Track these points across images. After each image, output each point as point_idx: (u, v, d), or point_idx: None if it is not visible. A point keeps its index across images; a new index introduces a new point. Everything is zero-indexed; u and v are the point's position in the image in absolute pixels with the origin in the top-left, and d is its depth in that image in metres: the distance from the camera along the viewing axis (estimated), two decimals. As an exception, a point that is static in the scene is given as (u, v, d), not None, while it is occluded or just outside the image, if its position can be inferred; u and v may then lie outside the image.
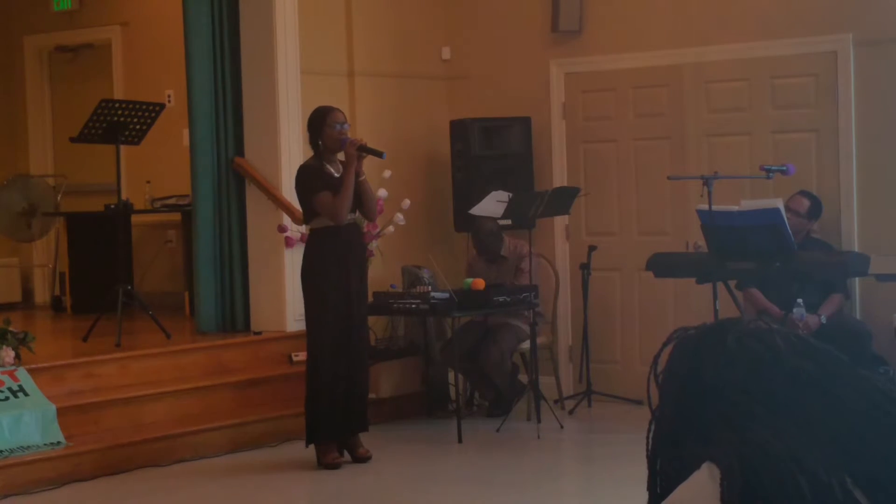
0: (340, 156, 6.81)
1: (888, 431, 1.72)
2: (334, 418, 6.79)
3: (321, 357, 6.82)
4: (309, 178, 6.77)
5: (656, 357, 1.91)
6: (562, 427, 7.74)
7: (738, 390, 1.76)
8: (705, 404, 1.80)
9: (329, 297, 6.77)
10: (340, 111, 6.90)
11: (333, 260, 6.77)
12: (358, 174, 6.66)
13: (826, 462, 1.68)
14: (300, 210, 7.01)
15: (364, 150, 6.67)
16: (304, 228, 7.04)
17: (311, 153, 6.93)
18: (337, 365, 6.76)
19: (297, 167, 7.21)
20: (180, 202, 9.36)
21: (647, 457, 1.89)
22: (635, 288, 8.26)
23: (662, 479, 1.88)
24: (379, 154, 6.80)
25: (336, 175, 6.69)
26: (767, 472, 1.71)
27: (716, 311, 6.78)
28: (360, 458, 6.90)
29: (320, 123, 6.79)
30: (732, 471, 1.73)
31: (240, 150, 8.33)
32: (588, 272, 8.20)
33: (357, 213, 6.83)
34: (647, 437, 1.89)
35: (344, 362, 6.77)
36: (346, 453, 6.91)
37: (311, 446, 6.85)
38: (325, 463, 6.81)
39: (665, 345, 1.91)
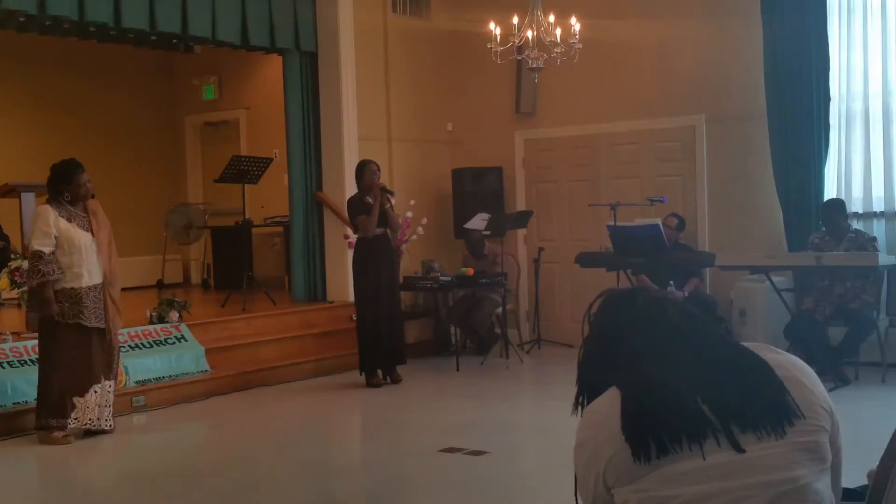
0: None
1: (728, 367, 1.73)
2: (374, 356, 6.82)
3: (362, 318, 6.89)
4: (353, 207, 6.84)
5: (590, 305, 1.93)
6: (522, 361, 7.79)
7: (638, 335, 1.78)
8: (616, 342, 1.82)
9: (365, 281, 6.83)
10: (375, 162, 6.91)
11: (370, 258, 6.81)
12: (383, 204, 6.70)
13: (687, 388, 1.69)
14: (355, 226, 7.06)
15: (383, 189, 6.76)
16: (355, 237, 7.06)
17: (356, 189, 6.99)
18: (372, 323, 6.79)
19: (356, 199, 7.25)
20: (282, 220, 9.37)
21: (578, 370, 1.90)
22: (568, 274, 8.24)
23: (585, 389, 1.88)
24: (391, 192, 6.91)
25: (371, 203, 6.71)
26: (649, 394, 1.72)
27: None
28: (396, 381, 6.92)
29: (361, 170, 6.84)
30: (629, 393, 1.75)
31: (320, 187, 8.34)
32: (538, 264, 8.23)
33: (386, 229, 6.84)
34: (578, 359, 1.90)
35: (379, 321, 6.79)
36: (387, 378, 6.94)
37: (365, 373, 6.87)
38: (371, 384, 6.83)
39: (597, 298, 1.92)
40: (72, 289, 5.30)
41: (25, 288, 5.87)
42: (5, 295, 8.43)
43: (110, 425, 5.53)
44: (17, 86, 9.93)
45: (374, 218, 6.68)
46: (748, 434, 1.62)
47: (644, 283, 7.22)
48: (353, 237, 7.18)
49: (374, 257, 6.80)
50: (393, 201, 6.99)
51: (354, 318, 7.14)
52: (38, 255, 5.24)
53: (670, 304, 1.85)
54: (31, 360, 5.78)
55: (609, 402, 1.72)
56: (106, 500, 4.60)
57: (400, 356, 6.96)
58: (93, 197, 5.51)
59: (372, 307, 6.80)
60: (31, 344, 5.80)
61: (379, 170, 6.86)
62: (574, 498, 1.81)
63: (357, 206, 6.78)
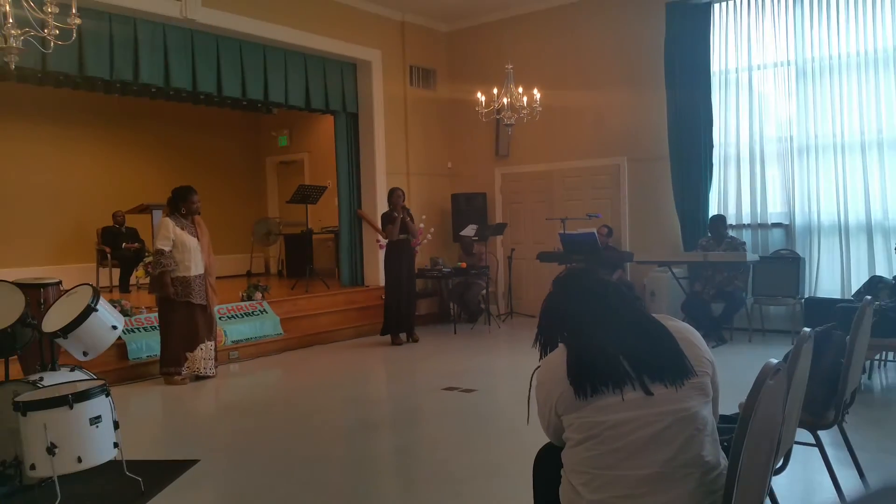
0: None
1: (645, 336, 1.72)
2: (395, 322, 6.81)
3: (388, 298, 6.86)
4: (384, 219, 6.82)
5: (558, 275, 1.91)
6: (499, 327, 7.76)
7: (581, 307, 1.77)
8: (564, 312, 1.80)
9: (391, 272, 6.80)
10: (401, 189, 6.90)
11: (394, 256, 6.79)
12: (404, 218, 6.68)
13: (613, 349, 1.68)
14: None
15: (404, 209, 6.75)
16: (384, 241, 7.04)
17: (387, 207, 6.97)
18: (396, 300, 6.77)
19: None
20: (333, 229, 9.37)
21: (539, 320, 1.88)
22: (531, 267, 8.22)
23: (543, 344, 1.87)
24: (407, 210, 6.86)
25: (397, 216, 6.70)
26: (586, 353, 1.71)
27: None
28: (414, 341, 6.91)
29: (391, 194, 6.82)
30: (572, 351, 1.74)
31: (359, 206, 8.31)
32: (511, 260, 8.22)
33: (407, 235, 6.82)
34: (539, 321, 1.89)
35: (400, 300, 6.77)
36: (409, 339, 6.91)
37: (388, 336, 6.85)
38: (394, 342, 6.82)
39: (558, 276, 1.91)
40: (183, 277, 5.31)
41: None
42: (141, 281, 8.44)
43: (213, 372, 5.53)
44: (149, 136, 9.94)
45: (397, 227, 6.67)
46: (657, 383, 1.63)
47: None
48: (383, 241, 7.18)
49: (398, 255, 6.79)
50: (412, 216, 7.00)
51: (383, 298, 7.13)
52: (160, 252, 5.25)
53: (609, 284, 1.84)
54: (157, 326, 5.78)
55: (559, 356, 1.72)
56: (211, 422, 4.60)
57: (412, 323, 6.96)
58: (198, 214, 5.51)
59: (396, 290, 6.79)
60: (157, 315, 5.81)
61: (403, 194, 6.85)
62: (527, 404, 1.82)
63: (387, 219, 6.78)
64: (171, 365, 5.34)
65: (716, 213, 6.93)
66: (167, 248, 5.23)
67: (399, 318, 6.80)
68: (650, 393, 1.60)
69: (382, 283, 7.46)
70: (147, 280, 7.93)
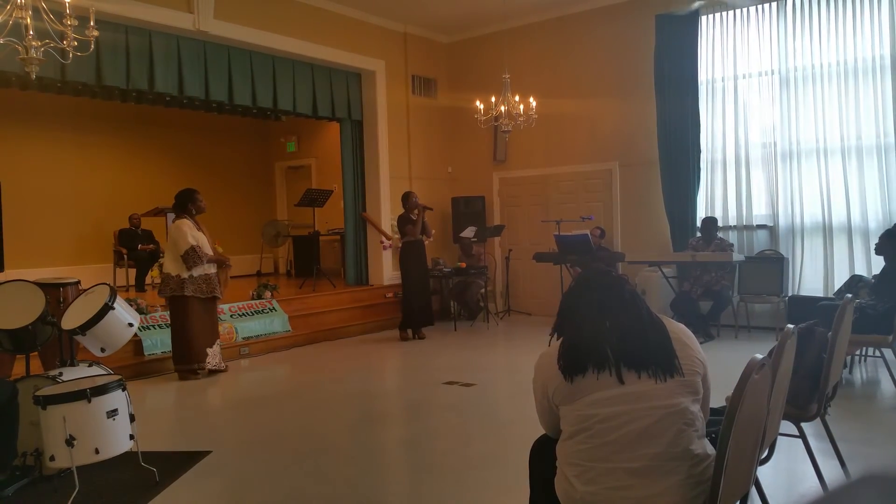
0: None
1: (633, 329, 1.70)
2: (411, 319, 6.82)
3: (405, 295, 6.85)
4: (401, 221, 6.81)
5: (576, 277, 1.88)
6: (497, 324, 7.75)
7: (581, 302, 1.74)
8: (569, 308, 1.77)
9: (407, 270, 6.80)
10: (414, 193, 6.91)
11: (410, 255, 6.78)
12: (423, 219, 6.70)
13: (603, 340, 1.68)
14: (391, 235, 7.02)
15: (424, 207, 6.77)
16: (387, 242, 7.02)
17: (400, 210, 6.96)
18: (412, 298, 6.78)
19: (388, 218, 7.22)
20: (339, 230, 9.36)
21: (558, 314, 1.82)
22: (528, 267, 8.22)
23: (558, 325, 1.83)
24: (430, 208, 6.87)
25: (413, 218, 6.69)
26: (578, 341, 1.71)
27: (562, 278, 6.74)
28: (420, 337, 6.91)
29: (407, 198, 6.85)
30: (565, 341, 1.73)
31: (364, 209, 8.30)
32: (508, 260, 8.21)
33: (422, 235, 6.81)
34: (560, 305, 1.83)
35: (414, 297, 6.78)
36: (415, 335, 6.91)
37: (397, 330, 6.84)
38: (402, 338, 6.83)
39: (579, 274, 1.88)
40: (206, 274, 5.30)
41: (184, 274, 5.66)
42: (156, 281, 8.43)
43: (225, 366, 5.52)
44: (163, 142, 9.95)
45: (418, 227, 6.72)
46: (632, 372, 1.63)
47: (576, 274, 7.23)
48: (387, 242, 7.17)
49: (413, 254, 6.81)
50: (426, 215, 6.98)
51: (388, 296, 7.12)
52: (193, 248, 5.19)
53: (612, 286, 1.73)
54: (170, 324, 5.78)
55: (555, 347, 1.72)
56: (222, 415, 4.59)
57: (430, 319, 6.98)
58: (204, 212, 5.47)
59: (411, 288, 6.79)
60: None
61: (417, 197, 6.86)
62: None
63: (404, 221, 6.80)
64: (192, 361, 5.31)
65: (705, 215, 6.92)
66: (195, 244, 5.21)
67: (413, 313, 6.81)
68: (622, 382, 1.60)
69: (386, 282, 7.46)
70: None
